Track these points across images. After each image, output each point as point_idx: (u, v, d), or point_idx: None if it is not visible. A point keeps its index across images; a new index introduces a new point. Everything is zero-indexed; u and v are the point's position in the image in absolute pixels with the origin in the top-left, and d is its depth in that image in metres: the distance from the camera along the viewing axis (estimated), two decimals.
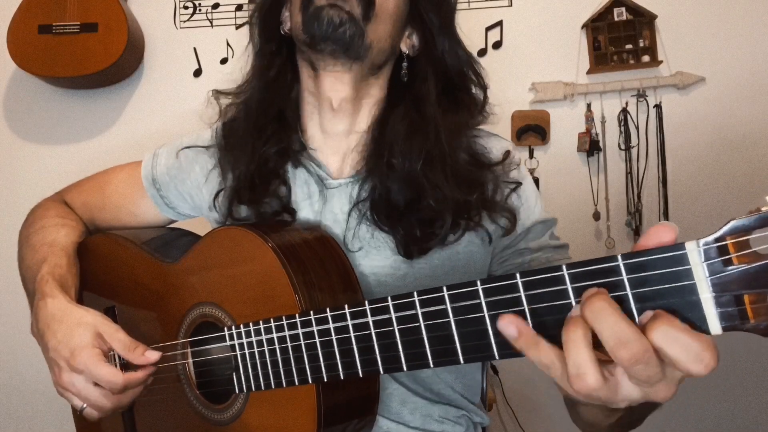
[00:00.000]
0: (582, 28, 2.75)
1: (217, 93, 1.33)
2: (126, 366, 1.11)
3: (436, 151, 1.16)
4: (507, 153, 1.26)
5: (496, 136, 1.30)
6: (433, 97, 1.21)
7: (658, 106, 2.69)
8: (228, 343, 1.02)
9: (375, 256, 1.18)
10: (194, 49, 2.89)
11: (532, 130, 2.74)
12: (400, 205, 1.15)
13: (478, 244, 1.21)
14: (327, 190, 1.23)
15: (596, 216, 2.71)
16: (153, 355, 1.10)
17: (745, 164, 2.63)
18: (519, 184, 1.24)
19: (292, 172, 1.26)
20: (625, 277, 0.57)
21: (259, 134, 1.23)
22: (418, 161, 1.15)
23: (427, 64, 1.23)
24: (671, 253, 0.55)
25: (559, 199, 2.74)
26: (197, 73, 2.88)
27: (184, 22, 2.89)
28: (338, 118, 1.24)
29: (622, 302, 0.58)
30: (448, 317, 0.71)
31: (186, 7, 2.89)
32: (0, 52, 2.70)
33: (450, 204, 1.13)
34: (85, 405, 1.09)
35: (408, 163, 1.15)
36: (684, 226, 2.41)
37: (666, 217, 2.67)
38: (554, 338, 0.62)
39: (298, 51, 1.23)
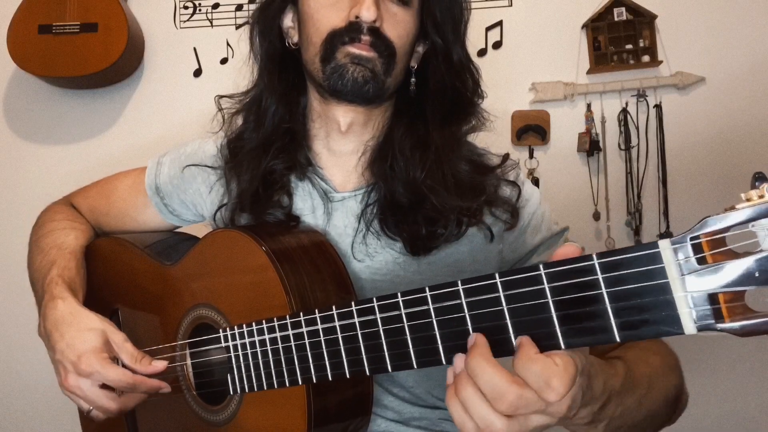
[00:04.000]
0: (582, 28, 2.74)
1: (221, 98, 1.33)
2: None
3: (438, 168, 1.17)
4: (506, 155, 1.28)
5: (497, 155, 1.30)
6: (437, 113, 1.21)
7: (658, 106, 2.68)
8: (223, 344, 1.03)
9: (379, 268, 1.19)
10: (194, 49, 2.88)
11: (532, 130, 2.73)
12: (405, 205, 1.16)
13: (481, 242, 1.22)
14: (331, 203, 1.23)
15: (596, 216, 2.70)
16: (160, 364, 1.12)
17: (745, 164, 2.62)
18: (519, 188, 1.24)
19: (295, 183, 1.26)
20: (600, 276, 0.57)
21: (266, 150, 1.23)
22: (420, 173, 1.16)
23: (435, 74, 1.22)
24: (645, 252, 0.55)
25: (559, 199, 2.73)
26: (197, 73, 2.88)
27: (184, 22, 2.89)
28: (347, 139, 1.24)
29: (597, 301, 0.58)
30: (431, 317, 0.71)
31: (186, 7, 2.89)
32: (0, 52, 2.70)
33: (453, 207, 1.14)
34: (91, 407, 1.11)
35: (411, 173, 1.16)
36: (684, 226, 2.41)
37: (666, 217, 2.66)
38: (532, 338, 0.62)
39: (307, 74, 1.22)
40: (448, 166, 1.18)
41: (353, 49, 1.10)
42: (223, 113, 1.32)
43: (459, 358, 0.70)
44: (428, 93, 1.23)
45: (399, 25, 1.14)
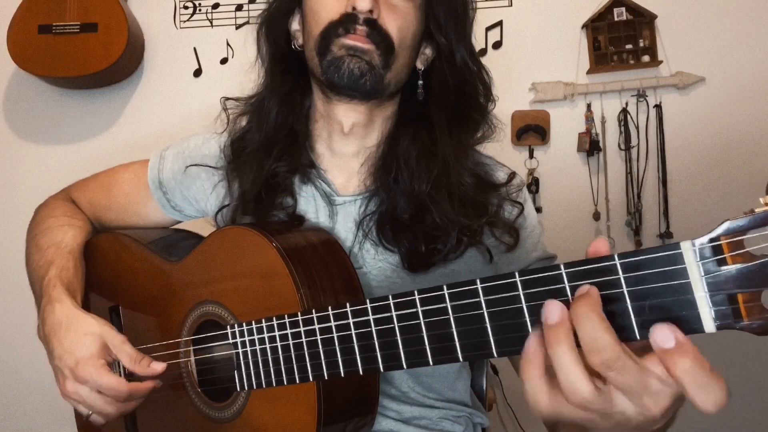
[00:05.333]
0: (582, 28, 2.75)
1: (227, 100, 1.32)
2: (130, 375, 1.13)
3: (444, 179, 1.16)
4: (512, 174, 1.26)
5: (503, 166, 1.30)
6: (443, 119, 1.20)
7: (658, 106, 2.69)
8: (230, 341, 1.03)
9: (376, 276, 1.19)
10: (194, 49, 2.89)
11: (532, 130, 2.74)
12: (405, 220, 1.15)
13: (480, 262, 1.21)
14: (333, 206, 1.23)
15: (596, 216, 2.71)
16: (158, 366, 1.12)
17: (745, 164, 2.63)
18: (522, 206, 1.24)
19: (298, 186, 1.25)
20: (621, 276, 0.58)
21: (269, 151, 1.23)
22: (425, 184, 1.15)
23: (439, 76, 1.21)
24: (667, 253, 0.55)
25: (559, 199, 2.74)
26: (197, 73, 2.88)
27: (184, 22, 2.89)
28: (349, 141, 1.23)
29: (618, 300, 0.58)
30: (448, 315, 0.71)
31: (186, 7, 2.89)
32: (0, 52, 2.70)
33: (455, 223, 1.14)
34: (90, 412, 1.11)
35: (416, 185, 1.15)
36: (684, 226, 2.42)
37: (666, 217, 2.67)
38: None
39: (311, 73, 1.22)
40: (455, 178, 1.16)
41: (348, 41, 1.09)
42: (228, 114, 1.32)
43: (553, 306, 0.61)
44: (433, 97, 1.22)
45: (398, 17, 1.13)
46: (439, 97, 1.21)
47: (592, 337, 0.57)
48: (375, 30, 1.10)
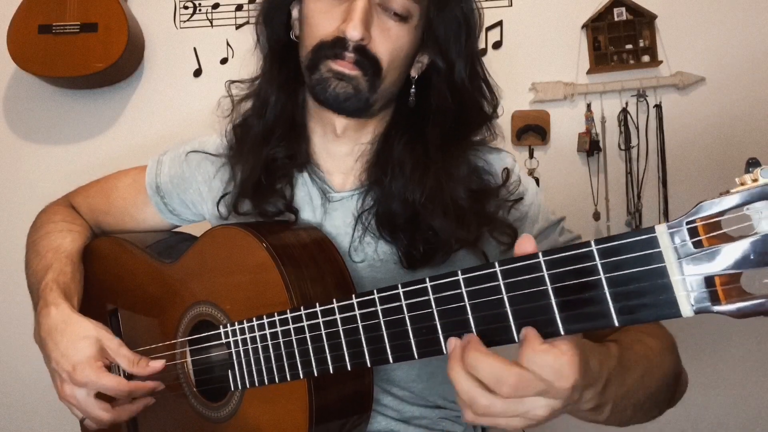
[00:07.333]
0: (582, 28, 2.75)
1: (232, 83, 1.32)
2: (130, 377, 1.13)
3: (438, 194, 1.14)
4: (507, 173, 1.24)
5: (496, 151, 1.28)
6: (438, 135, 1.18)
7: (658, 106, 2.68)
8: (224, 341, 1.03)
9: (378, 268, 1.19)
10: (194, 49, 2.89)
11: (532, 130, 2.73)
12: (401, 223, 1.15)
13: (477, 257, 1.21)
14: (329, 203, 1.23)
15: (596, 216, 2.70)
16: (157, 364, 1.12)
17: (745, 164, 2.61)
18: (520, 199, 1.23)
19: (296, 176, 1.26)
20: (598, 262, 0.58)
21: (268, 139, 1.23)
22: (419, 195, 1.14)
23: (437, 94, 1.20)
24: (642, 237, 0.55)
25: (559, 199, 2.73)
26: (197, 73, 2.88)
27: (184, 22, 2.89)
28: (341, 142, 1.23)
29: (596, 287, 0.58)
30: (431, 308, 0.71)
31: (186, 7, 2.89)
32: (0, 52, 2.70)
33: (452, 236, 1.13)
34: (85, 417, 1.12)
35: (409, 194, 1.15)
36: None
37: (666, 217, 2.66)
38: (532, 324, 0.62)
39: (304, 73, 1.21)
40: (448, 194, 1.15)
41: (336, 66, 1.09)
42: (233, 98, 1.31)
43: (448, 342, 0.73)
44: (429, 113, 1.20)
45: (390, 41, 1.11)
46: (436, 115, 1.20)
47: (489, 373, 0.67)
48: (364, 56, 1.09)
